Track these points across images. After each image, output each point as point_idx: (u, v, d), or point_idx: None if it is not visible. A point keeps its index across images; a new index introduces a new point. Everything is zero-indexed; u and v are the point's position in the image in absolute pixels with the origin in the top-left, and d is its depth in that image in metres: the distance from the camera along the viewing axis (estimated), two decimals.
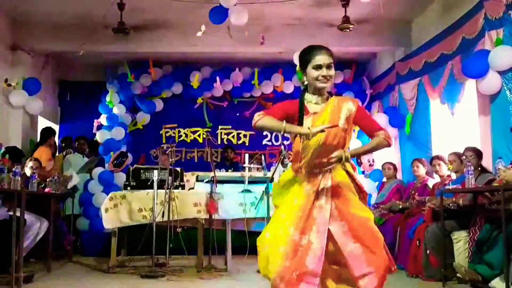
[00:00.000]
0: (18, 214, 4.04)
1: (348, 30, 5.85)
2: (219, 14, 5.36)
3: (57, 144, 7.20)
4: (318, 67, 2.49)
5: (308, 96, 2.58)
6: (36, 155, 6.19)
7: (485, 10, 4.58)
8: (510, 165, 3.67)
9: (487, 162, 4.51)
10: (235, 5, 5.32)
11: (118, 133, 7.36)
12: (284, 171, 5.31)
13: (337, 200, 2.49)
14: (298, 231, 2.44)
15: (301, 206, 2.49)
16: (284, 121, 2.44)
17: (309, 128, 2.38)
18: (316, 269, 2.39)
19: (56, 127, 7.99)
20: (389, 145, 2.59)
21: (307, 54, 2.54)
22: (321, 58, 2.49)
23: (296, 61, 6.77)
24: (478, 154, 4.46)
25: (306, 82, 2.57)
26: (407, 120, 6.29)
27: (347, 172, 2.57)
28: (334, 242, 2.45)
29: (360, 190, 2.59)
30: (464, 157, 4.49)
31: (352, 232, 2.44)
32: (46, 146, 6.51)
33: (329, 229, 2.45)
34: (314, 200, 2.49)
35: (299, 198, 2.53)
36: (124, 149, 7.49)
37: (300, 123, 2.51)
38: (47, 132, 6.72)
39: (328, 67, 2.50)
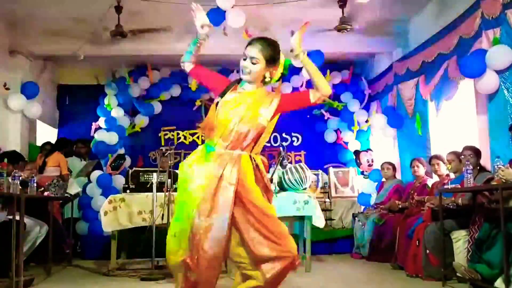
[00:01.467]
0: (17, 218, 4.04)
1: (345, 31, 5.85)
2: (217, 16, 5.37)
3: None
4: (244, 56, 2.60)
5: (243, 83, 2.68)
6: (56, 158, 6.31)
7: (482, 9, 4.59)
8: (508, 164, 3.69)
9: (485, 161, 4.52)
10: (233, 7, 5.33)
11: (116, 136, 7.36)
12: (283, 172, 5.35)
13: (241, 188, 2.48)
14: (200, 214, 2.42)
15: (205, 186, 2.47)
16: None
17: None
18: (218, 253, 2.39)
19: (54, 131, 8.00)
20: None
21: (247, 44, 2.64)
22: (249, 49, 2.58)
23: (294, 62, 6.76)
24: (476, 153, 4.46)
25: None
26: (417, 120, 6.27)
27: (257, 167, 2.59)
28: (237, 227, 2.46)
29: (266, 190, 2.61)
30: (462, 156, 4.50)
31: (255, 223, 2.44)
32: (62, 153, 6.59)
33: (233, 213, 2.44)
34: (218, 182, 2.47)
35: (202, 178, 2.49)
36: (122, 151, 7.49)
37: (222, 95, 2.61)
38: (62, 143, 6.87)
39: (251, 60, 2.57)
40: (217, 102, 2.60)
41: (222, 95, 2.62)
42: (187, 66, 2.77)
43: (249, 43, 2.61)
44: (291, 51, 2.58)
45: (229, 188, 2.46)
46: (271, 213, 2.50)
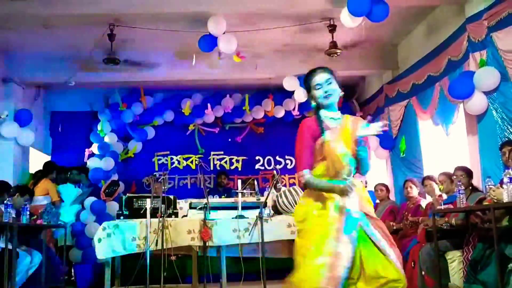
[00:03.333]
0: (9, 247, 4.01)
1: (335, 55, 5.94)
2: (209, 42, 5.44)
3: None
4: (319, 86, 2.69)
5: (323, 112, 2.73)
6: (43, 186, 6.23)
7: (468, 32, 4.70)
8: (499, 184, 3.72)
9: (477, 181, 4.56)
10: (224, 33, 5.41)
11: (109, 162, 7.35)
12: (277, 195, 5.35)
13: (365, 211, 2.63)
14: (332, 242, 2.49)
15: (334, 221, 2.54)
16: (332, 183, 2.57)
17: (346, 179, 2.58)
18: (344, 275, 2.46)
19: (48, 158, 7.97)
20: None
21: (307, 78, 2.75)
22: (318, 78, 2.70)
23: (286, 86, 6.87)
24: (468, 173, 4.50)
25: (314, 104, 2.75)
26: (402, 142, 6.33)
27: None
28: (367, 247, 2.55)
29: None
30: (454, 176, 4.53)
31: (387, 239, 2.58)
32: (49, 180, 6.53)
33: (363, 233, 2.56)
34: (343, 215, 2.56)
35: (327, 225, 2.54)
36: (115, 177, 7.47)
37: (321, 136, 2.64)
38: (48, 167, 6.77)
39: (327, 82, 2.69)
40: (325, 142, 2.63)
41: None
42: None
43: (311, 76, 2.72)
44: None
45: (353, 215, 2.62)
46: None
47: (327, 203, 2.59)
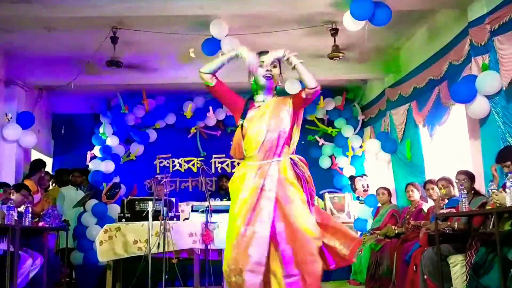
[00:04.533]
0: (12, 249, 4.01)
1: (337, 59, 5.95)
2: (212, 46, 5.45)
3: (49, 176, 7.16)
4: (263, 63, 2.86)
5: (256, 97, 2.96)
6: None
7: (471, 36, 4.70)
8: (502, 188, 3.71)
9: (479, 185, 4.55)
10: (226, 36, 5.42)
11: (111, 165, 7.36)
12: None
13: (281, 198, 2.69)
14: (245, 222, 2.63)
15: (248, 198, 2.68)
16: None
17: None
18: (260, 259, 2.57)
19: (49, 160, 7.98)
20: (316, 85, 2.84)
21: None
22: (266, 57, 2.85)
23: (288, 89, 6.85)
24: (470, 177, 4.49)
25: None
26: (407, 145, 6.33)
27: (296, 165, 2.79)
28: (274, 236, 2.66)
29: (307, 181, 2.81)
30: (456, 180, 4.53)
31: (288, 235, 2.63)
32: (31, 180, 6.46)
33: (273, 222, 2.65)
34: (261, 191, 2.68)
35: (246, 192, 2.72)
36: (117, 180, 7.47)
37: (244, 115, 2.85)
38: (35, 165, 6.71)
39: (272, 64, 2.86)
40: (241, 124, 2.83)
41: (243, 116, 2.85)
42: (210, 79, 2.92)
43: (261, 54, 2.88)
44: (283, 57, 2.83)
45: (271, 198, 2.66)
46: (304, 231, 2.63)
47: None
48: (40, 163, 6.76)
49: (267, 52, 2.90)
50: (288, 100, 2.89)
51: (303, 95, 2.84)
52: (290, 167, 2.77)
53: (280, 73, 2.92)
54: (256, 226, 2.61)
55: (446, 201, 4.80)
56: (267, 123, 2.77)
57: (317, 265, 2.62)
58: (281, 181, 2.70)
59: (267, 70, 2.84)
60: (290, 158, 2.80)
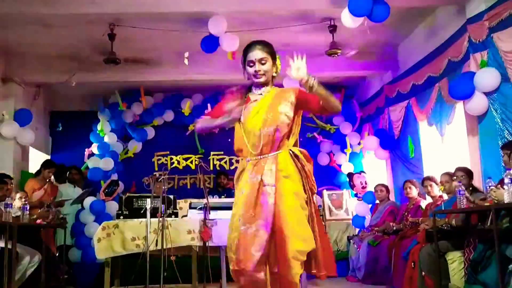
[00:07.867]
0: (9, 246, 4.00)
1: (336, 55, 5.94)
2: (211, 43, 5.44)
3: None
4: (251, 63, 2.69)
5: (252, 90, 2.81)
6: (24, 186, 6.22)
7: (469, 33, 4.70)
8: (499, 185, 3.71)
9: (477, 182, 4.56)
10: (225, 32, 5.41)
11: (109, 162, 7.35)
12: None
13: (278, 191, 2.58)
14: (245, 221, 2.55)
15: (247, 195, 2.60)
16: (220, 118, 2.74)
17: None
18: (262, 256, 2.51)
19: (47, 157, 7.96)
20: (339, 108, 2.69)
21: (244, 53, 2.75)
22: (253, 54, 2.68)
23: (287, 86, 6.83)
24: (469, 174, 4.50)
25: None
26: (409, 143, 6.32)
27: (295, 155, 2.68)
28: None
29: (306, 175, 2.68)
30: (455, 177, 4.53)
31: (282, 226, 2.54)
32: (35, 178, 6.49)
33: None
34: (259, 188, 2.59)
35: (245, 188, 2.64)
36: (115, 177, 7.46)
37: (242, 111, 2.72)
38: (41, 165, 6.72)
39: (261, 61, 2.69)
40: (239, 120, 2.74)
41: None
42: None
43: (247, 49, 2.73)
44: (301, 82, 2.60)
45: (270, 193, 2.57)
46: (300, 217, 2.56)
47: None
48: (44, 164, 6.76)
49: (260, 42, 2.74)
50: (291, 93, 2.74)
51: (320, 106, 2.67)
52: (290, 160, 2.66)
53: (274, 63, 2.77)
54: (257, 224, 2.54)
55: (446, 197, 4.80)
56: (263, 117, 2.66)
57: (293, 272, 2.54)
58: (277, 174, 2.60)
59: (256, 70, 2.70)
60: (291, 150, 2.69)
